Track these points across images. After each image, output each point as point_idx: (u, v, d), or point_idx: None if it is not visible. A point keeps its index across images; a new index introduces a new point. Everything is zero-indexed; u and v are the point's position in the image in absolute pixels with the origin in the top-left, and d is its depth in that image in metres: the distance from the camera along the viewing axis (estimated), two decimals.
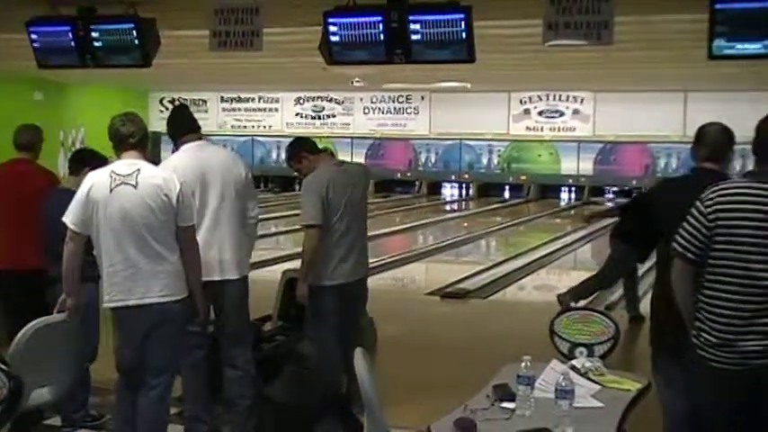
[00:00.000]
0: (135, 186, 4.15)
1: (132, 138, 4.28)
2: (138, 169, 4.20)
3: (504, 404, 3.30)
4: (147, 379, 4.25)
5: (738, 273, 3.19)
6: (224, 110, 24.41)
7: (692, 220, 3.27)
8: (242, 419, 4.88)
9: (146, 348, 4.21)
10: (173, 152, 4.97)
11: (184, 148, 4.86)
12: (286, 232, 14.34)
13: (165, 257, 4.18)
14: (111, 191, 4.15)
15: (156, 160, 4.64)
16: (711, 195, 3.25)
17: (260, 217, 5.12)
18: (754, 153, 3.34)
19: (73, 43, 6.43)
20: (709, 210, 3.22)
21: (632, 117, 20.57)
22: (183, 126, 4.95)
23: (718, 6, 5.37)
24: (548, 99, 21.88)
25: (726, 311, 3.23)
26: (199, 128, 5.00)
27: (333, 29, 5.83)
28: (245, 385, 4.90)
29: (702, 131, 3.70)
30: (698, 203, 3.27)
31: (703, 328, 3.29)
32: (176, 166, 4.67)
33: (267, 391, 5.08)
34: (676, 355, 3.69)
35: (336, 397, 5.11)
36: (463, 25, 5.60)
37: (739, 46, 5.42)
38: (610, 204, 19.16)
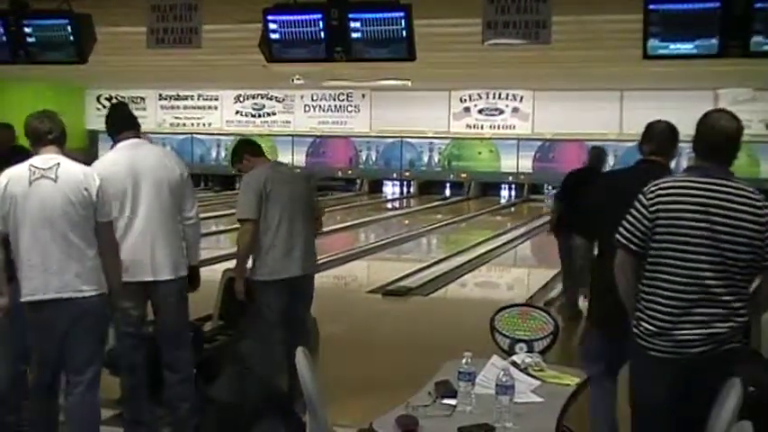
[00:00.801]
0: (55, 180, 4.10)
1: (50, 134, 4.22)
2: (58, 163, 4.15)
3: (446, 401, 3.32)
4: (71, 377, 4.19)
5: (677, 264, 3.30)
6: (162, 108, 24.09)
7: (634, 213, 3.39)
8: (183, 422, 4.84)
9: (66, 345, 4.14)
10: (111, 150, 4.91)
11: (120, 145, 4.80)
12: (226, 231, 14.22)
13: (85, 252, 4.13)
14: (30, 184, 4.08)
15: (91, 159, 4.57)
16: (653, 189, 3.37)
17: (200, 216, 5.06)
18: (693, 150, 3.45)
19: (5, 38, 6.30)
20: (650, 203, 3.35)
21: (570, 115, 20.86)
22: (121, 124, 4.89)
23: (651, 7, 5.47)
24: (487, 97, 22.05)
25: (664, 301, 3.33)
26: (137, 126, 4.94)
27: (273, 26, 5.81)
28: (185, 388, 4.85)
29: (650, 127, 3.83)
30: (640, 197, 3.39)
31: (642, 318, 3.40)
32: (109, 164, 4.64)
33: (208, 391, 5.04)
34: (612, 340, 3.83)
35: (278, 396, 5.08)
36: (403, 23, 5.62)
37: (673, 46, 5.53)
38: None
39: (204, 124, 24.10)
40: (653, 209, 3.34)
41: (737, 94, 20.14)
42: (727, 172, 3.41)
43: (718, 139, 3.41)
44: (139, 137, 4.90)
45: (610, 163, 21.15)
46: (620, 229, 3.43)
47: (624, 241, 3.42)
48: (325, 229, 5.55)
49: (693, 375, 3.32)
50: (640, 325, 3.41)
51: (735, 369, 3.29)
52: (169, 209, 4.76)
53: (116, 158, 4.72)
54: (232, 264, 5.55)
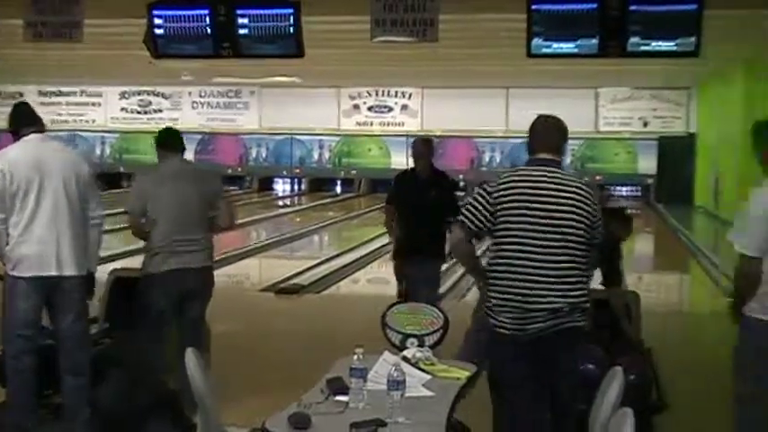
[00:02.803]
0: None
1: None
2: None
3: (338, 397, 3.32)
4: None
5: (514, 247, 3.62)
6: (42, 104, 23.24)
7: (478, 198, 3.70)
8: (80, 429, 4.69)
9: None
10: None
11: (25, 139, 4.67)
12: (113, 231, 13.87)
13: None
14: None
15: None
16: (498, 179, 3.72)
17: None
18: (530, 145, 3.83)
19: None
20: (493, 191, 3.68)
21: (458, 112, 21.19)
22: (25, 119, 4.77)
23: (534, 7, 5.62)
24: (377, 95, 22.19)
25: (505, 281, 3.63)
26: (41, 122, 4.81)
27: (158, 21, 5.70)
28: (84, 393, 4.71)
29: (535, 124, 3.93)
30: (485, 185, 3.73)
31: (490, 296, 3.68)
32: (12, 157, 4.54)
33: (93, 396, 4.91)
34: None
35: (167, 398, 4.99)
36: (292, 20, 5.61)
37: (555, 45, 5.70)
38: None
39: (87, 121, 23.43)
40: (495, 195, 3.66)
41: (617, 93, 20.88)
42: (560, 163, 3.77)
43: (552, 134, 3.81)
44: (43, 132, 4.78)
45: (497, 159, 21.96)
46: (463, 210, 3.75)
47: (465, 219, 3.72)
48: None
49: (538, 351, 3.59)
50: (489, 301, 3.70)
51: (577, 347, 3.69)
52: (76, 205, 4.66)
53: (21, 151, 4.62)
54: (118, 264, 5.44)
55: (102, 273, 6.02)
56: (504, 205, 3.64)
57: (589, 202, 3.66)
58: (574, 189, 3.65)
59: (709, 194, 18.48)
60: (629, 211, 6.24)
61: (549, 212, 3.60)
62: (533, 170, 3.72)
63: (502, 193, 3.66)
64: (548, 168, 3.69)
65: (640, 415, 2.91)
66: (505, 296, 3.63)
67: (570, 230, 3.60)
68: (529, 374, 3.64)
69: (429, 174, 6.38)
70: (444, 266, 6.67)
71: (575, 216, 3.61)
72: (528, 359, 3.62)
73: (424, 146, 6.46)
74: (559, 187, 3.64)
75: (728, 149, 16.13)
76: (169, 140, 5.37)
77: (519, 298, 3.59)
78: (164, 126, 5.64)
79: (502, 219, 3.64)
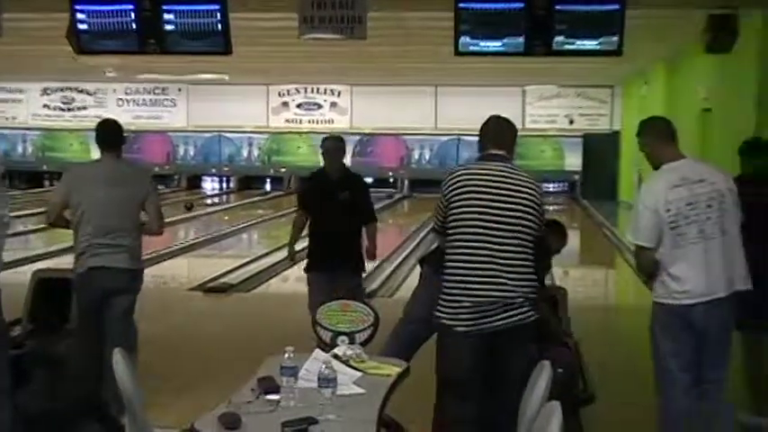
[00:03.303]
0: None
1: None
2: None
3: (269, 396, 3.30)
4: None
5: (469, 237, 3.75)
6: None
7: (440, 199, 3.87)
8: None
9: None
10: None
11: None
12: (34, 231, 13.55)
13: None
14: None
15: None
16: (448, 177, 3.87)
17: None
18: (482, 141, 3.99)
19: None
20: (445, 189, 3.84)
21: (388, 110, 21.25)
22: None
23: (461, 5, 5.67)
24: (306, 92, 22.11)
25: (456, 276, 3.75)
26: None
27: (80, 16, 5.59)
28: (5, 398, 4.57)
29: (487, 123, 4.03)
30: (442, 185, 3.87)
31: (445, 290, 3.79)
32: None
33: (17, 399, 4.78)
34: None
35: (93, 400, 4.90)
36: (219, 16, 5.56)
37: (482, 43, 5.76)
38: None
39: (8, 118, 22.81)
40: (446, 193, 3.82)
41: (544, 91, 21.19)
42: (511, 160, 3.94)
43: (505, 132, 3.99)
44: None
45: (426, 157, 22.07)
46: (434, 214, 3.97)
47: (433, 222, 4.01)
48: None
49: (490, 347, 3.71)
50: (442, 297, 3.79)
51: (529, 342, 3.82)
52: None
53: None
54: (42, 264, 5.32)
55: (24, 274, 5.89)
56: (456, 200, 3.78)
57: (538, 196, 3.83)
58: (524, 183, 3.80)
59: (633, 190, 18.89)
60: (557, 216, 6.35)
61: (501, 205, 3.73)
62: (485, 164, 3.86)
63: (452, 188, 3.80)
64: (499, 163, 3.84)
65: (568, 407, 2.96)
66: (460, 289, 3.72)
67: (522, 222, 3.74)
68: (480, 370, 3.73)
69: (340, 174, 6.05)
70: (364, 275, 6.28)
71: (526, 209, 3.75)
72: (480, 355, 3.71)
73: (334, 144, 6.06)
74: (511, 181, 3.78)
75: None
76: (101, 137, 5.23)
77: (473, 289, 3.69)
78: (87, 124, 5.48)
79: (455, 213, 3.78)
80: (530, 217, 3.77)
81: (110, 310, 5.14)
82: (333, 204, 5.89)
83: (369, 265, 6.45)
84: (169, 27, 5.60)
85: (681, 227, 4.00)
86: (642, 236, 4.08)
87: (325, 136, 6.32)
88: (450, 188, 3.82)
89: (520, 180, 3.80)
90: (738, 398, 5.03)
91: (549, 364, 3.24)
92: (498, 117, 4.05)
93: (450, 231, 3.82)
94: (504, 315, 3.70)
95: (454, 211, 3.79)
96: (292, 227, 6.26)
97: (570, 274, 11.28)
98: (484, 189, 3.76)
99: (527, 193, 3.78)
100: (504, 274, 3.70)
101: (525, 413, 3.09)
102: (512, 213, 3.73)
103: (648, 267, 4.13)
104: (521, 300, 3.73)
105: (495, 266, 3.70)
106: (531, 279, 3.80)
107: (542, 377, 3.15)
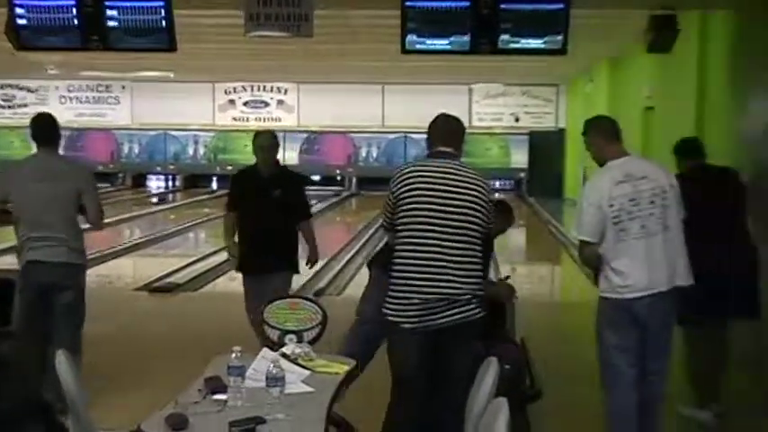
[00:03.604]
0: None
1: None
2: None
3: (216, 396, 3.28)
4: None
5: (418, 234, 3.77)
6: None
7: (388, 196, 3.88)
8: None
9: None
10: None
11: None
12: None
13: None
14: None
15: None
16: (397, 174, 3.88)
17: None
18: (430, 139, 4.03)
19: None
20: (394, 186, 3.86)
21: (335, 108, 21.22)
22: None
23: (408, 4, 5.69)
24: (252, 90, 21.98)
25: (404, 273, 3.78)
26: None
27: (20, 11, 5.48)
28: None
29: (435, 121, 4.07)
30: (391, 183, 3.89)
31: (393, 288, 3.82)
32: None
33: None
34: None
35: (36, 400, 4.81)
36: (163, 13, 5.50)
37: (429, 42, 5.78)
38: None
39: None
40: (395, 191, 3.83)
41: (490, 89, 21.34)
42: (459, 157, 3.97)
43: (453, 130, 4.03)
44: None
45: (373, 154, 22.08)
46: (383, 213, 3.96)
47: (383, 221, 4.00)
48: (85, 226, 5.30)
49: (437, 343, 3.74)
50: (391, 294, 3.81)
51: (474, 339, 3.84)
52: None
53: None
54: None
55: None
56: (405, 198, 3.80)
57: (485, 192, 3.86)
58: (472, 180, 3.84)
59: (578, 187, 19.14)
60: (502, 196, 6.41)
61: (449, 202, 3.76)
62: (433, 162, 3.89)
63: (401, 186, 3.82)
64: (447, 161, 3.87)
65: (515, 404, 2.99)
66: (408, 286, 3.74)
67: (469, 219, 3.77)
68: (425, 368, 3.77)
69: (272, 171, 5.73)
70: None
71: (473, 205, 3.79)
72: (425, 352, 3.74)
73: (267, 140, 5.72)
74: (459, 178, 3.82)
75: None
76: (35, 132, 5.16)
77: (421, 286, 3.72)
78: (28, 122, 5.34)
79: (403, 210, 3.80)
80: (477, 214, 3.80)
81: (52, 308, 5.06)
82: (265, 202, 5.62)
83: (317, 264, 6.36)
84: (112, 23, 5.52)
85: (624, 222, 4.08)
86: (585, 231, 4.16)
87: (256, 131, 5.95)
88: (399, 186, 3.84)
89: (468, 177, 3.84)
90: (679, 391, 5.13)
91: (497, 361, 3.27)
92: (446, 115, 4.08)
93: (398, 229, 3.84)
94: (450, 312, 3.74)
95: (403, 208, 3.81)
96: (224, 229, 5.91)
97: (517, 270, 11.39)
98: (432, 186, 3.78)
99: (475, 190, 3.82)
100: (452, 271, 3.73)
101: (472, 410, 3.11)
102: (459, 210, 3.77)
103: (592, 261, 4.22)
104: (467, 297, 3.76)
105: (442, 263, 3.73)
106: (478, 276, 3.84)
107: (489, 374, 3.17)
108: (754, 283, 5.07)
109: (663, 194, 4.14)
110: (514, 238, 16.13)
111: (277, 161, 5.83)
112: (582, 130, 4.41)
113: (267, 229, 5.61)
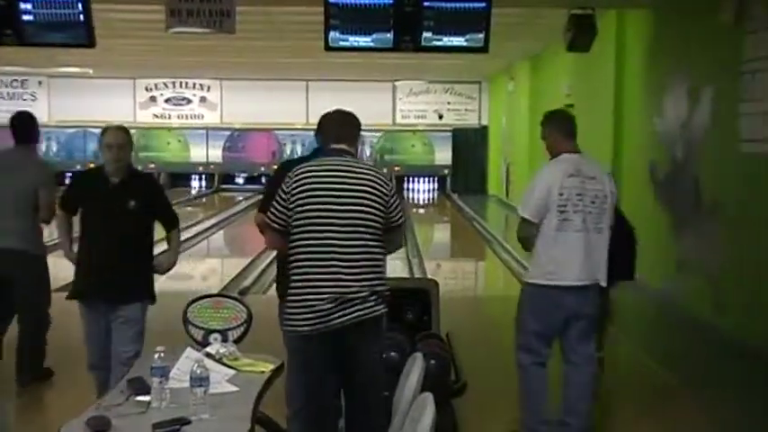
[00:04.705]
0: None
1: None
2: None
3: (139, 398, 3.23)
4: None
5: (314, 235, 3.66)
6: None
7: (278, 196, 3.74)
8: None
9: None
10: None
11: None
12: None
13: None
14: None
15: None
16: (291, 175, 3.74)
17: None
18: (324, 137, 4.00)
19: None
20: (287, 187, 3.71)
21: (259, 105, 21.08)
22: None
23: (331, 1, 5.69)
24: (174, 87, 21.68)
25: (299, 275, 3.67)
26: None
27: None
28: None
29: (325, 117, 4.02)
30: (283, 183, 3.75)
31: (291, 292, 3.70)
32: None
33: None
34: None
35: None
36: (80, 7, 5.40)
37: (352, 38, 5.80)
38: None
39: None
40: (287, 190, 3.70)
41: (413, 86, 21.46)
42: (354, 153, 3.89)
43: (347, 125, 3.93)
44: None
45: (298, 151, 21.99)
46: (269, 212, 3.78)
47: (270, 222, 3.78)
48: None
49: (340, 342, 3.66)
50: (289, 299, 3.70)
51: (379, 337, 3.75)
52: None
53: None
54: None
55: None
56: (300, 197, 3.67)
57: (383, 186, 3.75)
58: (368, 176, 3.73)
59: (501, 184, 19.39)
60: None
61: (341, 200, 3.66)
62: (328, 160, 3.79)
63: (296, 185, 3.69)
64: (342, 158, 3.78)
65: (441, 398, 3.01)
66: (306, 288, 3.64)
67: (365, 216, 3.67)
68: (329, 371, 3.72)
69: (124, 176, 4.62)
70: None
71: (370, 201, 3.69)
72: (328, 354, 3.68)
73: (117, 136, 4.64)
74: (354, 174, 3.71)
75: (517, 140, 16.98)
76: (14, 130, 5.37)
77: (317, 285, 3.62)
78: None
79: (299, 210, 3.67)
80: (374, 210, 3.69)
81: (11, 299, 5.11)
82: (115, 215, 4.59)
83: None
84: (27, 17, 5.40)
85: (568, 212, 4.30)
86: (529, 210, 4.35)
87: (104, 126, 4.84)
88: (292, 186, 3.70)
89: (363, 174, 3.73)
90: None
91: (422, 357, 3.29)
92: (338, 110, 4.00)
93: (293, 231, 3.71)
94: (347, 311, 3.63)
95: (296, 209, 3.68)
96: (60, 233, 5.10)
97: (442, 266, 11.49)
98: (324, 185, 3.68)
99: (371, 186, 3.71)
100: (346, 270, 3.63)
101: (399, 405, 3.13)
102: (354, 208, 3.66)
103: (528, 241, 4.40)
104: (364, 294, 3.65)
105: (335, 263, 3.63)
106: (378, 272, 3.73)
107: (415, 370, 3.19)
108: (633, 251, 5.41)
109: (604, 198, 4.38)
110: (439, 234, 16.27)
111: (130, 163, 4.71)
112: (540, 120, 4.56)
113: (115, 248, 4.59)
